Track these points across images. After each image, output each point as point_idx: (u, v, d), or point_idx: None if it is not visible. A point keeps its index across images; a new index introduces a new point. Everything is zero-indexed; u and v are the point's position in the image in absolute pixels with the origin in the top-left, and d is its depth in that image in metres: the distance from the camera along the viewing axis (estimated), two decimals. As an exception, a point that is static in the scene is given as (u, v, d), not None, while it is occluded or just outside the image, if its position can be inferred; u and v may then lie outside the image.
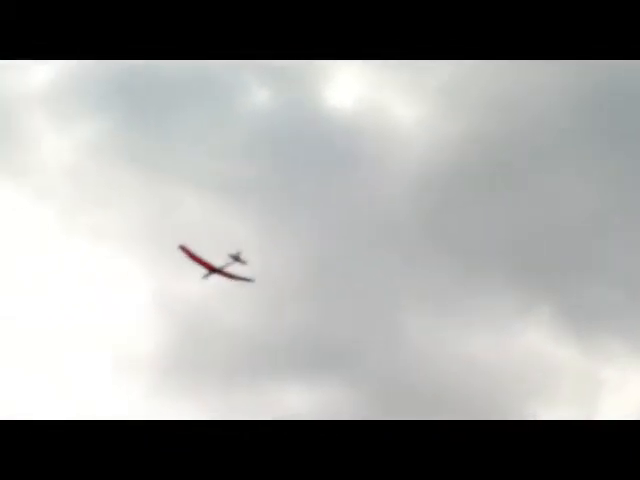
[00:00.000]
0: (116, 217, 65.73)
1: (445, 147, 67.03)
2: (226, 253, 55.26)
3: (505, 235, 65.20)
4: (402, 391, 58.71)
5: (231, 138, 67.57)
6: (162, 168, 65.62)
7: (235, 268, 55.73)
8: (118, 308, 63.12)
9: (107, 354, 61.07)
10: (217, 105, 68.32)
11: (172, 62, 55.94)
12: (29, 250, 64.42)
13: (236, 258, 55.36)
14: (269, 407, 58.49)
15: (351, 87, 71.78)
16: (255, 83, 70.90)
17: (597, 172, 66.90)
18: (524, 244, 64.61)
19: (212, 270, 55.96)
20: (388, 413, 56.43)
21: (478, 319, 62.18)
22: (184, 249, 56.36)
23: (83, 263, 64.59)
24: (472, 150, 66.62)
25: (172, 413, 56.78)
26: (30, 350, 60.10)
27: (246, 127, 68.47)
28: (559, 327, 62.16)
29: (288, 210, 65.78)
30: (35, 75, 69.06)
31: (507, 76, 67.07)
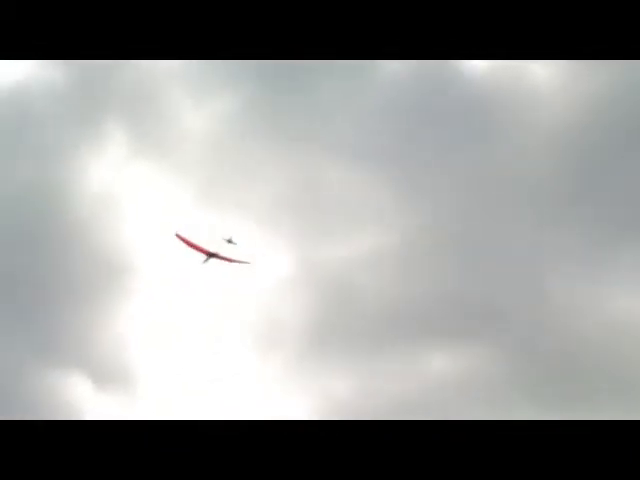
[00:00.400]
0: (257, 189, 65.39)
1: (584, 106, 65.79)
2: (220, 238, 55.52)
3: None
4: (546, 353, 58.28)
5: (369, 107, 66.80)
6: (301, 139, 65.38)
7: (231, 251, 56.07)
8: (263, 279, 63.29)
9: (253, 325, 62.31)
10: (353, 74, 67.14)
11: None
12: (172, 224, 63.15)
13: (229, 241, 55.67)
14: (414, 372, 59.25)
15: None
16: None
17: None
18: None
19: (209, 255, 56.18)
20: (531, 376, 57.41)
21: (625, 278, 60.90)
22: (180, 237, 56.50)
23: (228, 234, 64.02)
24: (611, 109, 65.05)
25: (318, 381, 59.41)
26: (177, 326, 61.67)
27: (383, 96, 67.52)
28: None
29: (426, 175, 65.31)
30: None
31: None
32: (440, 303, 60.73)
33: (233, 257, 56.21)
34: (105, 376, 59.40)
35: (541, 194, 64.08)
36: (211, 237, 58.52)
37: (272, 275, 63.37)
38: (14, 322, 58.20)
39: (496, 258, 62.23)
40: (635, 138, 64.20)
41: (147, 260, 63.92)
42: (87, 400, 58.49)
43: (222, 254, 56.14)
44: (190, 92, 67.61)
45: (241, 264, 56.42)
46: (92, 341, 60.47)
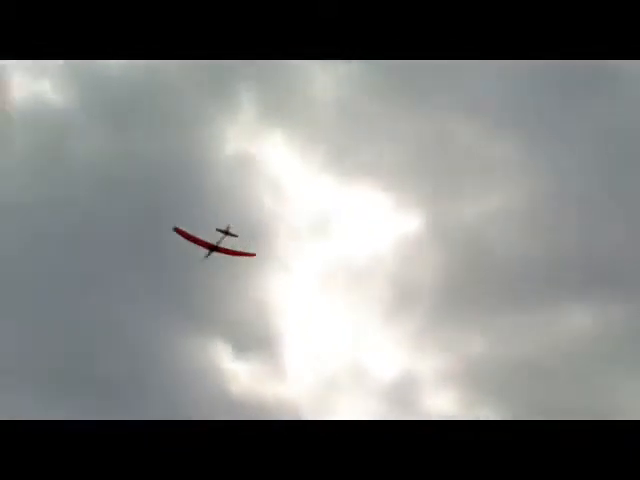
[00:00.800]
0: (386, 150, 66.50)
1: None
2: (215, 229, 54.28)
3: None
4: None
5: (497, 66, 65.07)
6: (429, 100, 66.08)
7: (231, 243, 54.96)
8: (395, 240, 65.08)
9: (386, 285, 63.40)
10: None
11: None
12: (307, 186, 66.33)
13: (226, 232, 53.98)
14: (548, 329, 59.75)
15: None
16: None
17: None
18: None
19: (211, 248, 54.41)
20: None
21: None
22: (179, 231, 54.87)
23: (358, 197, 66.50)
24: None
25: (452, 339, 60.44)
26: (314, 291, 63.82)
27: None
28: None
29: (554, 133, 65.41)
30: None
31: None
32: (572, 259, 61.18)
33: (236, 249, 54.77)
34: (245, 343, 61.03)
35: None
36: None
37: (404, 235, 64.89)
38: (157, 289, 59.43)
39: (628, 215, 62.45)
40: None
41: (284, 228, 65.07)
42: (227, 367, 60.45)
43: (224, 246, 54.46)
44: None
45: (245, 257, 55.22)
46: (232, 307, 61.87)
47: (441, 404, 59.91)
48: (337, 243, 65.54)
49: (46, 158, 65.24)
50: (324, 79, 67.97)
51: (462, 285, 62.44)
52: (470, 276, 62.57)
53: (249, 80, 68.35)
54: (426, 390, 60.48)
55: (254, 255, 55.38)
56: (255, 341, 61.38)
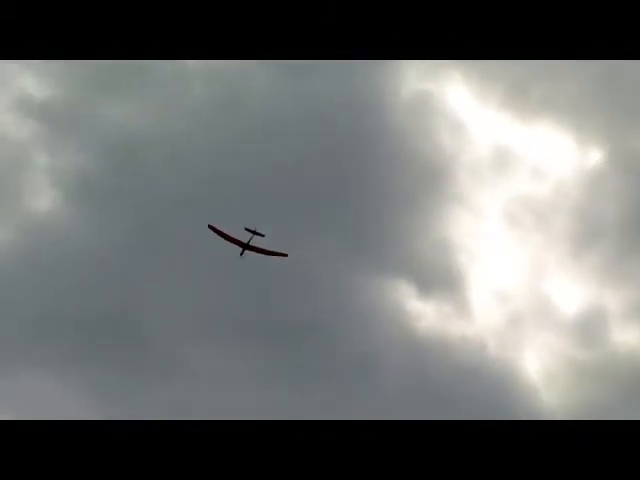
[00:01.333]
0: (566, 86, 67.51)
1: None
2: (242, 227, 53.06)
3: None
4: None
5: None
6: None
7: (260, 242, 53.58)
8: (577, 174, 65.56)
9: (570, 220, 64.11)
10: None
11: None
12: (487, 123, 67.50)
13: (254, 232, 52.88)
14: None
15: None
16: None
17: None
18: None
19: (244, 246, 53.19)
20: None
21: None
22: (213, 228, 53.77)
23: (538, 133, 67.36)
24: None
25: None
26: (495, 225, 64.62)
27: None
28: None
29: None
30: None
31: None
32: None
33: (269, 248, 53.46)
34: (429, 282, 61.74)
35: None
36: None
37: (586, 169, 65.07)
38: (342, 230, 60.07)
39: None
40: None
41: (465, 165, 65.77)
42: (411, 306, 61.05)
43: (257, 245, 53.23)
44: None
45: (278, 256, 53.80)
46: (415, 246, 62.46)
47: (629, 338, 59.54)
48: (518, 179, 66.07)
49: (221, 105, 65.71)
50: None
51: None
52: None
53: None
54: (613, 325, 60.28)
55: (286, 255, 54.06)
56: (439, 280, 61.91)
